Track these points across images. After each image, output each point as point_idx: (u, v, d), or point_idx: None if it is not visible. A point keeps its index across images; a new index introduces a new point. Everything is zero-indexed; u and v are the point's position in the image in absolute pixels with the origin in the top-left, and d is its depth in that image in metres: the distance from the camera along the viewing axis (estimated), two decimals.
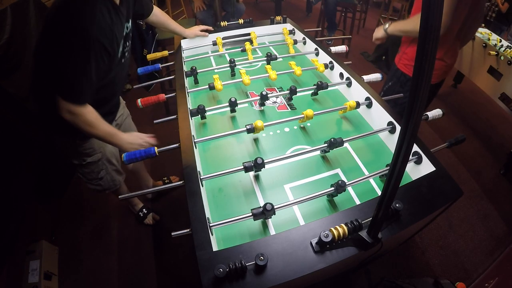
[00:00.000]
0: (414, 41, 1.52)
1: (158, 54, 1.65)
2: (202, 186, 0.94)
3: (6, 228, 1.63)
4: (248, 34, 1.80)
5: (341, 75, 1.44)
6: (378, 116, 1.21)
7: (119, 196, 0.97)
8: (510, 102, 2.14)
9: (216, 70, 1.57)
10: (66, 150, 1.35)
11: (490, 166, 2.34)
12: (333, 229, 0.74)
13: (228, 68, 1.53)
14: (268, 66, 1.48)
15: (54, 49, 0.97)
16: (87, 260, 1.73)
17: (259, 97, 1.27)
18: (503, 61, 2.13)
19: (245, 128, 1.08)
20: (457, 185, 0.91)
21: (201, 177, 0.93)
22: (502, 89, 2.19)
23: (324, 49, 1.61)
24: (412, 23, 1.39)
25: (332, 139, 1.03)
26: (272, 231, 0.86)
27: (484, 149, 2.50)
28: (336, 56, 1.54)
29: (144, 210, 1.87)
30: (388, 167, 0.71)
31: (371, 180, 1.02)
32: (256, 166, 0.94)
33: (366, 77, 1.37)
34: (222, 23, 1.86)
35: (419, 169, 1.02)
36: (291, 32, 1.88)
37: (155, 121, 1.21)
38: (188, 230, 0.80)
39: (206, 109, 1.21)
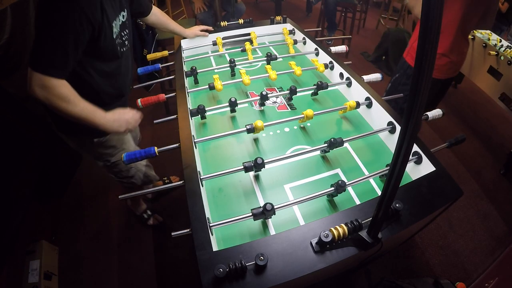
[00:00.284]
0: None
1: (158, 54, 1.65)
2: (202, 186, 0.94)
3: (6, 228, 1.63)
4: (248, 34, 1.80)
5: (341, 75, 1.44)
6: (378, 116, 1.21)
7: (119, 196, 0.97)
8: (510, 102, 2.14)
9: (216, 70, 1.57)
10: (89, 153, 1.32)
11: (490, 166, 2.34)
12: (333, 229, 0.74)
13: (228, 68, 1.53)
14: (268, 66, 1.48)
15: (39, 18, 0.90)
16: (87, 260, 1.73)
17: (259, 97, 1.27)
18: (503, 61, 2.13)
19: (245, 128, 1.08)
20: (457, 185, 0.91)
21: (201, 177, 0.93)
22: (502, 89, 2.20)
23: (324, 49, 1.61)
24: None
25: (332, 139, 1.03)
26: (272, 231, 0.86)
27: (484, 149, 2.50)
28: (336, 56, 1.54)
29: (148, 211, 1.86)
30: (388, 167, 0.71)
31: (371, 180, 1.02)
32: (256, 166, 0.94)
33: (366, 77, 1.37)
34: (222, 23, 1.86)
35: (419, 169, 1.02)
36: (291, 32, 1.88)
37: (155, 121, 1.20)
38: (188, 230, 0.80)
39: (206, 109, 1.21)
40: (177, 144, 1.05)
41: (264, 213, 0.81)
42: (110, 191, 2.07)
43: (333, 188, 0.90)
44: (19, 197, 1.75)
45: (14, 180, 1.72)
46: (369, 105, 1.26)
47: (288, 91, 1.31)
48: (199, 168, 0.97)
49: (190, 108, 1.21)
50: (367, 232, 0.73)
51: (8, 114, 1.71)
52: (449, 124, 2.74)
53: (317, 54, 1.66)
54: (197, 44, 1.75)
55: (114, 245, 1.80)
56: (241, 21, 1.87)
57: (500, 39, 2.31)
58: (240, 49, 1.70)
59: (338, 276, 0.99)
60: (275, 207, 0.82)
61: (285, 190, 1.00)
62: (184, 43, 1.74)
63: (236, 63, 1.52)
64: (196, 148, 1.09)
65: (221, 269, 0.65)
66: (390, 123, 1.14)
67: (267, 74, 1.41)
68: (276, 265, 0.70)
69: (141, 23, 2.48)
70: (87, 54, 1.02)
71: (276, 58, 1.59)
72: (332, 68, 1.52)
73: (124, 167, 1.38)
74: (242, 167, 0.94)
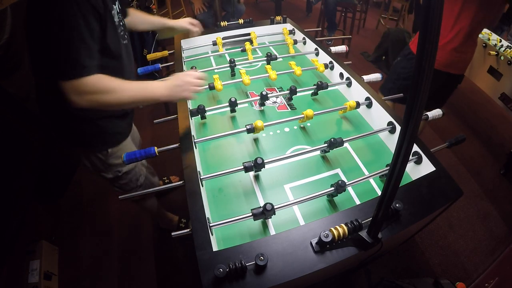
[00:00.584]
0: None
1: (158, 54, 1.65)
2: (202, 186, 0.94)
3: (6, 228, 1.63)
4: (248, 34, 1.79)
5: (341, 75, 1.44)
6: (378, 116, 1.21)
7: (120, 197, 0.97)
8: (510, 102, 2.14)
9: (216, 70, 1.57)
10: (97, 167, 1.19)
11: (490, 166, 2.34)
12: (333, 229, 0.74)
13: (228, 68, 1.53)
14: (268, 66, 1.48)
15: (41, 24, 0.80)
16: (87, 260, 1.73)
17: (259, 97, 1.27)
18: (503, 61, 2.13)
19: (245, 128, 1.08)
20: (457, 185, 0.91)
21: (201, 177, 0.93)
22: (502, 89, 2.20)
23: (324, 49, 1.61)
24: None
25: (332, 139, 1.03)
26: (272, 231, 0.86)
27: (484, 149, 2.50)
28: (336, 56, 1.54)
29: (183, 219, 1.84)
30: (388, 167, 0.71)
31: (371, 180, 1.02)
32: (256, 166, 0.94)
33: (366, 77, 1.37)
34: (222, 23, 1.86)
35: (419, 169, 1.02)
36: (291, 32, 1.88)
37: (155, 121, 1.20)
38: (188, 230, 0.80)
39: (206, 109, 1.20)
40: (177, 144, 1.05)
41: (264, 213, 0.81)
42: (110, 191, 2.06)
43: (333, 188, 0.89)
44: (19, 197, 1.75)
45: (14, 180, 1.72)
46: (369, 105, 1.26)
47: (288, 91, 1.31)
48: (199, 168, 0.97)
49: (190, 108, 1.21)
50: (367, 232, 0.73)
51: (8, 114, 1.71)
52: (449, 124, 2.74)
53: (317, 54, 1.66)
54: (197, 44, 1.75)
55: (114, 245, 1.80)
56: (241, 21, 1.87)
57: (500, 39, 2.31)
58: (240, 49, 1.70)
59: (338, 276, 0.99)
60: (275, 207, 0.82)
61: (285, 190, 1.00)
62: (184, 43, 1.74)
63: (236, 63, 1.52)
64: (196, 148, 1.08)
65: (221, 269, 0.65)
66: (390, 123, 1.14)
67: (267, 74, 1.41)
68: (276, 265, 0.70)
69: None
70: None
71: (276, 58, 1.59)
72: (332, 68, 1.52)
73: (133, 176, 1.30)
74: (242, 167, 0.94)
